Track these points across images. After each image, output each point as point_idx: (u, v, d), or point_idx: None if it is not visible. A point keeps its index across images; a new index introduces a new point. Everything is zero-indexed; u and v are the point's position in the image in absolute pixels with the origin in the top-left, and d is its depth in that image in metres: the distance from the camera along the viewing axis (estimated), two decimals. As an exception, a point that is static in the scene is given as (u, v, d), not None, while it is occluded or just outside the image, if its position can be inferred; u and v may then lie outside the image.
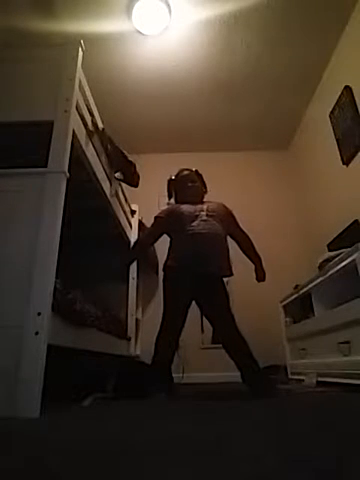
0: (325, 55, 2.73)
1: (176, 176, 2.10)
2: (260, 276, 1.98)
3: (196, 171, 2.11)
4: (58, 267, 1.29)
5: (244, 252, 2.01)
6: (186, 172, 2.08)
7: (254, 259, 1.99)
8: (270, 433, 0.78)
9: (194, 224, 1.81)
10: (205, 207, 1.91)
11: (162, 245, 3.31)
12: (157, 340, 1.74)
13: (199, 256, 1.74)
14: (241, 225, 2.03)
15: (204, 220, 1.83)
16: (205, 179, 2.17)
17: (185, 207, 1.93)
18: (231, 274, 1.85)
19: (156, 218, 2.01)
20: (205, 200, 2.04)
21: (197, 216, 1.85)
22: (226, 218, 1.93)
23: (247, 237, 2.00)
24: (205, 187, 2.12)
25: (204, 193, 2.08)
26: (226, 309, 1.75)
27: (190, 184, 2.02)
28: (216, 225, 1.83)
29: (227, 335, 1.72)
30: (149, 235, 2.06)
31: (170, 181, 2.13)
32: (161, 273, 3.25)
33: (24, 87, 1.63)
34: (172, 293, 1.78)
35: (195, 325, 2.96)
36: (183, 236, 1.81)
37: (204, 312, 1.83)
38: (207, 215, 1.85)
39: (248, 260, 2.02)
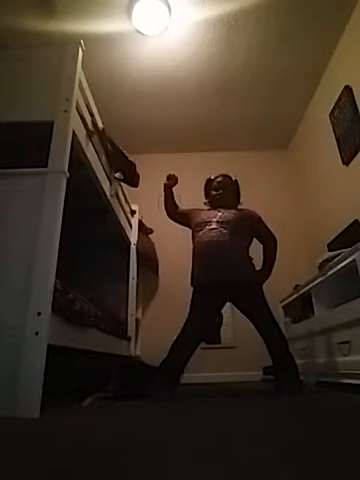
0: (325, 55, 2.73)
1: (213, 179, 2.13)
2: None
3: (235, 181, 2.12)
4: (58, 267, 1.29)
5: (263, 254, 1.97)
6: (220, 178, 2.10)
7: (266, 263, 1.93)
8: (270, 433, 0.78)
9: (200, 233, 1.87)
10: (219, 214, 1.91)
11: (162, 245, 3.32)
12: (174, 345, 1.72)
13: (209, 268, 1.78)
14: (271, 229, 2.01)
15: (211, 229, 1.84)
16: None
17: (203, 214, 1.98)
18: (246, 274, 1.79)
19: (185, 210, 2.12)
20: (239, 207, 2.05)
21: (206, 223, 1.88)
22: (246, 224, 1.91)
23: (271, 246, 1.96)
24: (238, 197, 2.11)
25: (232, 202, 2.06)
26: (261, 308, 1.74)
27: (214, 192, 2.06)
28: (223, 233, 1.80)
29: (266, 334, 1.74)
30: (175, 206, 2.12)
31: (207, 181, 2.16)
32: (161, 273, 3.28)
33: (24, 87, 1.63)
34: (197, 307, 1.78)
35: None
36: (193, 246, 1.90)
37: (241, 312, 1.82)
38: (217, 222, 1.86)
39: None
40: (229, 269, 1.74)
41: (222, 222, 1.85)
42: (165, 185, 2.10)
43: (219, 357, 3.00)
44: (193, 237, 1.93)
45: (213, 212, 1.95)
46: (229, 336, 3.02)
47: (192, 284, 1.85)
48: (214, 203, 2.05)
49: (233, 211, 1.95)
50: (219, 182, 2.08)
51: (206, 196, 2.16)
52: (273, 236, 1.98)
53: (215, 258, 1.76)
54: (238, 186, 2.13)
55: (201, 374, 2.75)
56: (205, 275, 1.79)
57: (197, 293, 1.82)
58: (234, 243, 1.80)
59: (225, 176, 2.11)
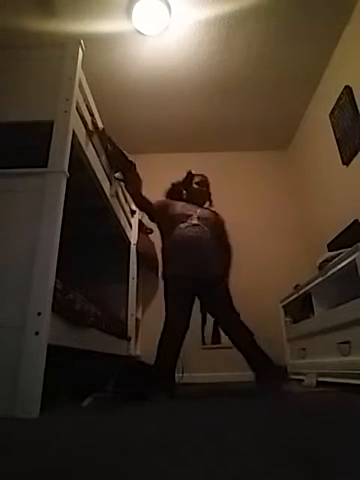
0: (325, 55, 2.73)
1: (195, 174, 2.21)
2: None
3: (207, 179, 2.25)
4: (58, 267, 1.29)
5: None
6: (202, 177, 2.23)
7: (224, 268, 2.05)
8: (269, 433, 0.78)
9: (182, 226, 1.88)
10: (199, 211, 1.99)
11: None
12: (160, 344, 1.74)
13: (190, 262, 1.80)
14: (229, 238, 2.15)
15: (194, 224, 1.90)
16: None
17: (180, 205, 2.02)
18: (220, 273, 1.89)
19: (155, 203, 2.10)
20: (210, 208, 2.17)
21: (188, 216, 1.92)
22: (217, 227, 2.02)
23: (228, 253, 2.11)
24: (210, 199, 2.23)
25: (206, 200, 2.19)
26: (226, 306, 1.79)
27: (197, 186, 2.16)
28: (205, 230, 1.90)
29: (231, 331, 1.78)
30: (147, 201, 2.11)
31: (189, 174, 2.20)
32: (161, 273, 3.27)
33: (24, 87, 1.63)
34: (174, 300, 1.79)
35: (195, 325, 2.96)
36: (173, 238, 1.88)
37: (205, 310, 1.87)
38: (198, 218, 1.93)
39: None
40: (208, 264, 1.82)
41: (203, 219, 1.94)
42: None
43: (218, 357, 2.99)
44: (171, 228, 1.91)
45: (192, 207, 2.00)
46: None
47: (165, 275, 1.86)
48: (195, 197, 2.11)
49: (207, 211, 2.07)
50: (202, 180, 2.19)
51: (184, 187, 2.19)
52: (230, 245, 2.13)
53: (198, 252, 1.82)
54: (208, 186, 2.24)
55: (201, 374, 2.75)
56: (184, 268, 1.80)
57: (173, 285, 1.81)
58: (212, 241, 1.91)
59: (201, 175, 2.23)
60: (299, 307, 2.53)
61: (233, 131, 3.63)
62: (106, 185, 2.14)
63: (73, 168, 1.47)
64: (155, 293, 3.31)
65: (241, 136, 3.70)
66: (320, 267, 2.17)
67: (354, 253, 1.66)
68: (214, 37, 2.56)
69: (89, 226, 2.53)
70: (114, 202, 2.35)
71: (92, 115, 1.91)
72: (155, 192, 3.64)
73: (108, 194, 2.17)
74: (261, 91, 3.09)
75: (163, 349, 1.72)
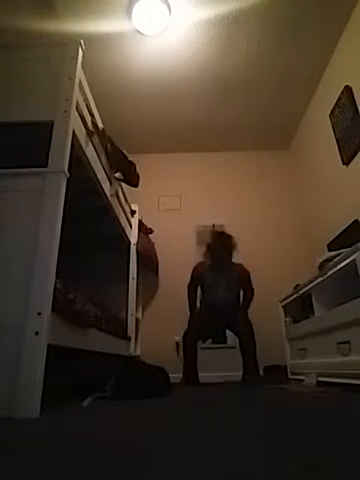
0: (325, 55, 2.73)
1: (211, 243, 2.74)
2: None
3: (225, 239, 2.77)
4: (58, 267, 1.29)
5: (244, 298, 2.72)
6: (217, 242, 2.73)
7: (244, 304, 2.70)
8: (270, 433, 0.78)
9: (214, 285, 2.61)
10: (224, 277, 2.62)
11: (162, 245, 3.33)
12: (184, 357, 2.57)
13: (218, 307, 2.58)
14: (252, 283, 2.68)
15: (221, 285, 2.59)
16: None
17: (209, 271, 2.67)
18: (238, 306, 2.68)
19: (192, 275, 2.75)
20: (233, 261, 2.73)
21: (216, 279, 2.61)
22: (240, 278, 2.66)
23: (251, 293, 2.70)
24: (231, 250, 2.69)
25: (229, 256, 2.68)
26: (246, 329, 2.54)
27: (215, 251, 2.68)
28: (229, 285, 2.61)
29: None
30: (192, 288, 2.76)
31: (208, 245, 2.79)
32: (161, 273, 3.28)
33: (24, 87, 1.63)
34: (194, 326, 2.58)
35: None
36: (207, 294, 2.66)
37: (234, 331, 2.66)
38: (224, 280, 2.60)
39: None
40: (231, 310, 2.59)
41: (227, 278, 2.60)
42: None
43: (221, 357, 3.00)
44: (208, 286, 2.64)
45: (219, 270, 2.63)
46: (231, 337, 3.03)
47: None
48: (213, 258, 2.67)
49: (233, 270, 2.64)
50: (218, 243, 2.67)
51: (210, 257, 2.73)
52: (252, 289, 2.69)
53: (224, 302, 2.58)
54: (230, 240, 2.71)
55: (204, 374, 2.74)
56: (219, 313, 2.58)
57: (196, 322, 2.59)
58: (234, 292, 2.65)
59: (218, 237, 2.71)
60: (299, 307, 2.53)
61: (233, 131, 3.63)
62: (106, 185, 2.14)
63: (73, 168, 1.47)
64: (155, 293, 3.31)
65: (241, 136, 3.70)
66: (320, 267, 2.17)
67: (354, 253, 1.66)
68: (214, 37, 2.56)
69: (89, 226, 2.53)
70: (114, 202, 2.35)
71: (92, 115, 1.91)
72: (155, 191, 3.66)
73: (108, 194, 2.17)
74: (261, 91, 3.09)
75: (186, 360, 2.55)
